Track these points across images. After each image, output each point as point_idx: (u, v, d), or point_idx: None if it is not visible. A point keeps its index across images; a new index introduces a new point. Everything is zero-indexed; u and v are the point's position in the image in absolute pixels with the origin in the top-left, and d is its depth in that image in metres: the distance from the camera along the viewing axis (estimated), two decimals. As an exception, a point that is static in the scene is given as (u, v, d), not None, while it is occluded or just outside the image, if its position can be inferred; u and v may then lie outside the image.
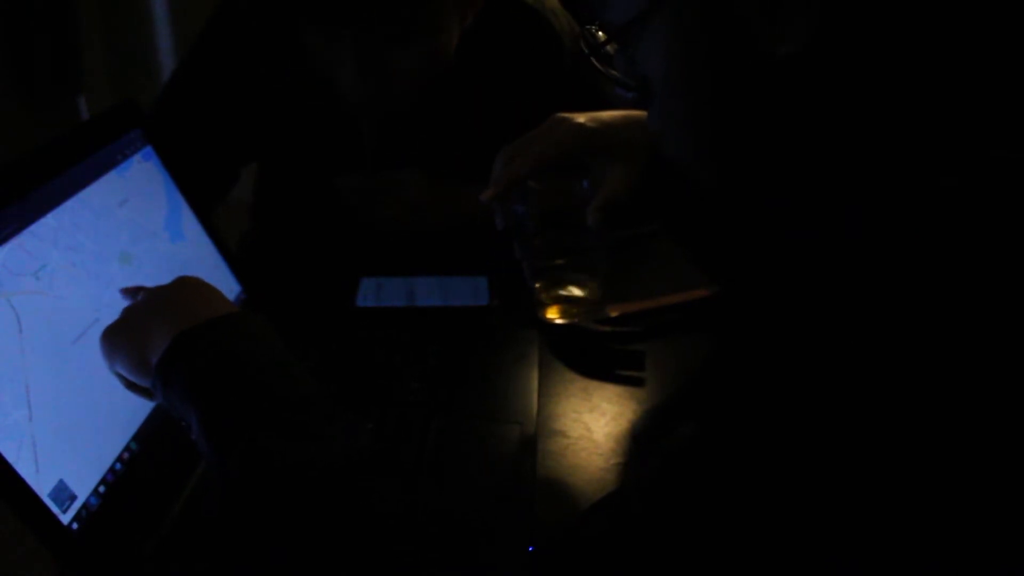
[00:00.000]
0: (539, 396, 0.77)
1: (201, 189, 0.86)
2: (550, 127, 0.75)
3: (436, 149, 1.06)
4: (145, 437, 0.65)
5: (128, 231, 0.71)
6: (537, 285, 0.81)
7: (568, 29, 1.08)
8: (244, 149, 1.10)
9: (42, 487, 0.55)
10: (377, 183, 1.02)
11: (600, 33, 0.58)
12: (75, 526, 0.56)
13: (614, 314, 0.88)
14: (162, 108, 1.03)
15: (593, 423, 0.75)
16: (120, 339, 0.57)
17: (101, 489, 0.60)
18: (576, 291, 0.81)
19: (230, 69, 1.01)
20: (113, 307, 0.66)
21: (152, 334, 0.54)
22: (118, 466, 0.62)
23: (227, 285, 0.84)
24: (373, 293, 0.94)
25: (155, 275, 0.73)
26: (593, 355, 0.84)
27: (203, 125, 1.02)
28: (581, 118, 0.75)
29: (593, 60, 0.60)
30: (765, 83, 0.48)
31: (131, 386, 0.57)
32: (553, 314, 0.81)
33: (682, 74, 0.52)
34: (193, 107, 1.02)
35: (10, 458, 0.53)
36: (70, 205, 0.65)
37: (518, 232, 0.78)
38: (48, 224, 0.62)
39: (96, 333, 0.63)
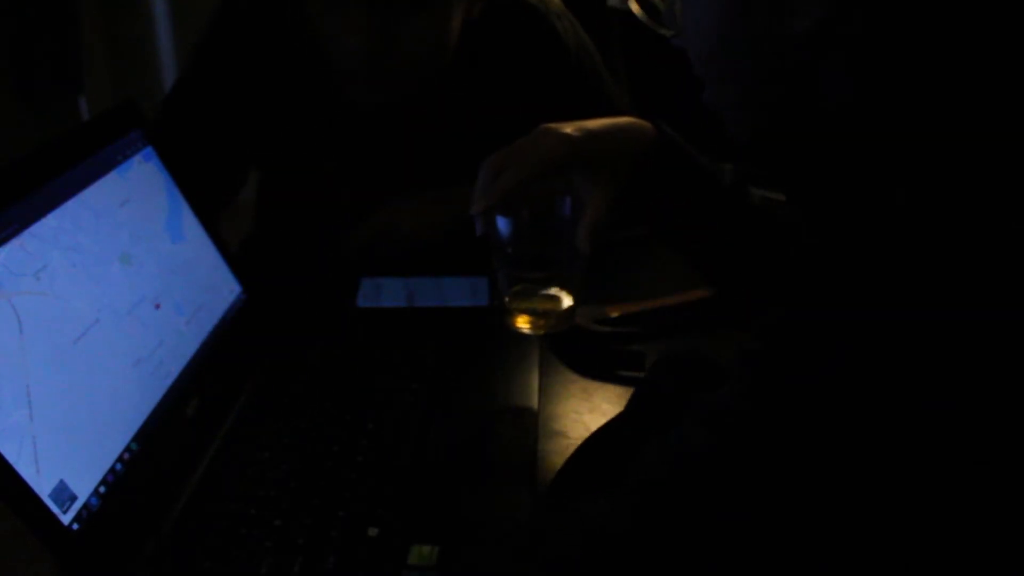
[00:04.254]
0: (539, 396, 0.77)
1: (208, 195, 0.87)
2: (537, 137, 0.75)
3: (433, 150, 1.06)
4: (145, 437, 0.65)
5: (129, 231, 0.71)
6: (507, 297, 0.81)
7: (572, 32, 1.07)
8: (250, 154, 1.10)
9: (43, 487, 0.55)
10: (374, 230, 1.02)
11: None
12: (75, 526, 0.56)
13: (614, 314, 0.88)
14: (167, 117, 1.04)
15: (593, 423, 0.75)
16: None
17: (101, 489, 0.60)
18: (547, 304, 0.81)
19: (233, 73, 1.02)
20: (113, 307, 0.67)
21: None
22: (118, 466, 0.62)
23: (227, 285, 0.84)
24: (373, 293, 0.94)
25: (156, 275, 0.73)
26: (593, 356, 0.84)
27: (209, 132, 1.03)
28: (567, 128, 0.75)
29: (639, 12, 0.63)
30: (791, 52, 0.51)
31: None
32: (523, 324, 0.81)
33: (720, 33, 0.55)
34: (198, 115, 1.03)
35: (11, 458, 0.53)
36: (71, 205, 0.65)
37: (496, 241, 0.78)
38: (49, 224, 0.62)
39: (96, 334, 0.64)
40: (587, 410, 0.77)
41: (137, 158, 0.75)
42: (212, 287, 0.81)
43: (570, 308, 0.80)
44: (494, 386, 0.79)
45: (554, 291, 0.81)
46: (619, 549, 0.49)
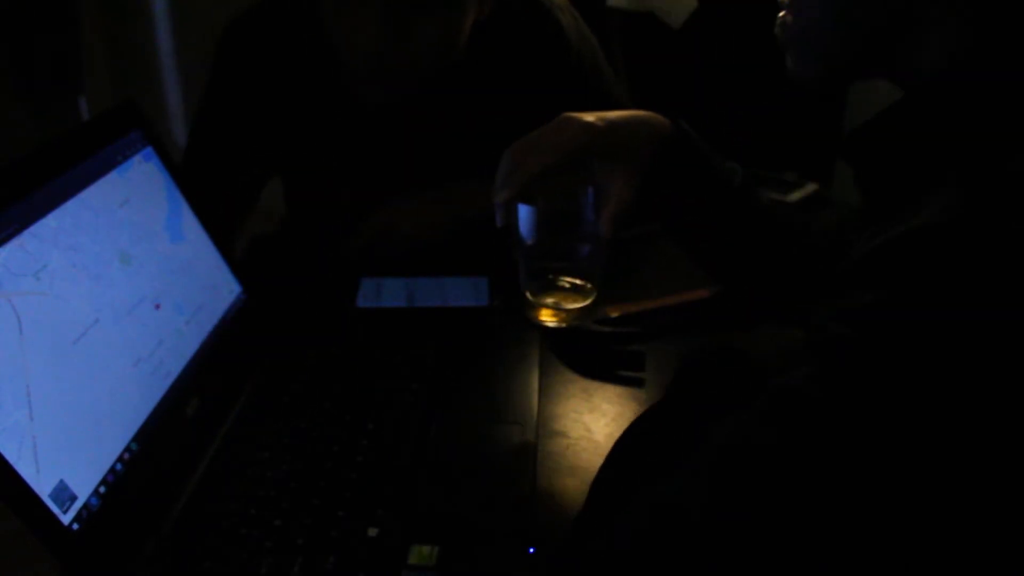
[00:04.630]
0: (539, 397, 0.77)
1: (234, 213, 0.88)
2: (559, 126, 0.74)
3: (438, 148, 1.06)
4: (145, 437, 0.65)
5: (128, 231, 0.71)
6: (530, 288, 0.80)
7: (574, 27, 1.08)
8: (268, 163, 1.12)
9: (43, 487, 0.55)
10: (374, 230, 1.03)
11: None
12: (75, 526, 0.56)
13: (614, 314, 0.88)
14: (192, 152, 1.07)
15: (593, 424, 0.75)
16: None
17: (101, 489, 0.60)
18: (570, 295, 0.81)
19: (252, 82, 1.04)
20: (113, 307, 0.67)
21: None
22: (118, 466, 0.62)
23: (227, 285, 0.84)
24: (373, 293, 0.94)
25: (155, 275, 0.73)
26: (593, 356, 0.84)
27: (235, 153, 1.05)
28: (589, 117, 0.74)
29: None
30: None
31: None
32: (546, 317, 0.81)
33: None
34: (224, 135, 1.06)
35: (11, 458, 0.53)
36: (70, 206, 0.65)
37: (517, 231, 0.78)
38: (49, 225, 0.62)
39: (96, 334, 0.64)
40: (587, 410, 0.77)
41: (137, 158, 0.75)
42: (212, 287, 0.81)
43: (593, 301, 0.80)
44: (494, 386, 0.79)
45: (576, 283, 0.80)
46: (692, 525, 0.49)
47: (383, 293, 0.94)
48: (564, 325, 0.81)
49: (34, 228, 0.61)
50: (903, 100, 0.55)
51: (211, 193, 0.95)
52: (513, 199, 0.75)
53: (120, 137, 0.74)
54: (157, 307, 0.72)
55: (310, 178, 1.13)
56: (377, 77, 0.96)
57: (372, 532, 0.61)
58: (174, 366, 0.72)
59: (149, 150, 0.77)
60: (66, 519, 0.56)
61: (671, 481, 0.51)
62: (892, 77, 0.58)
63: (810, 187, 1.34)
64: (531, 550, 0.60)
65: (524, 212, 0.76)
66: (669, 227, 0.81)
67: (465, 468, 0.69)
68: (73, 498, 0.57)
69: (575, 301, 0.80)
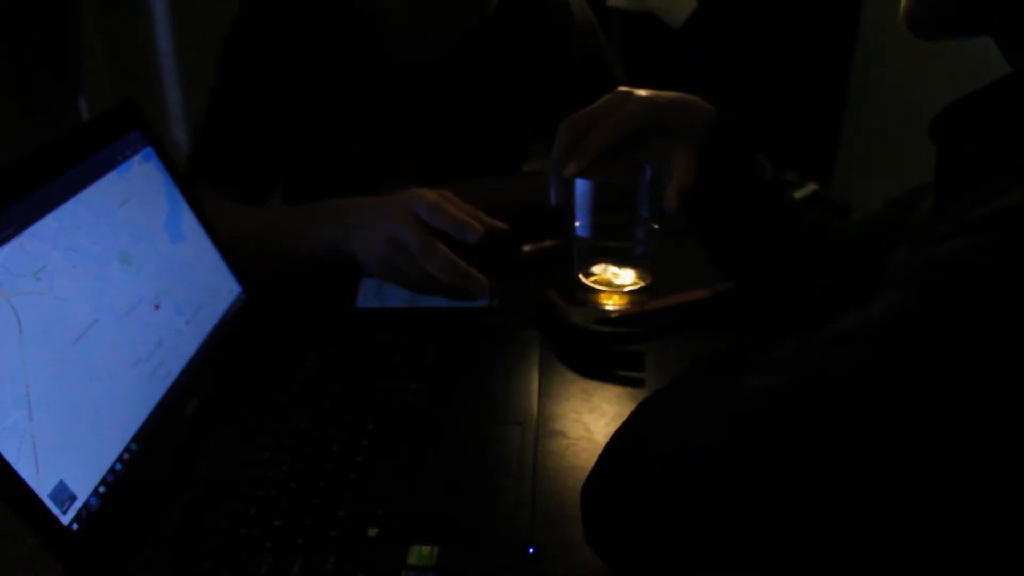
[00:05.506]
0: (539, 397, 0.77)
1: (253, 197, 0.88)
2: (619, 100, 0.72)
3: (446, 137, 1.07)
4: (145, 438, 0.65)
5: (128, 232, 0.71)
6: (583, 270, 0.77)
7: (580, 5, 1.09)
8: (286, 146, 1.12)
9: (42, 488, 0.55)
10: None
11: None
12: (75, 527, 0.56)
13: (614, 314, 0.88)
14: (200, 149, 1.06)
15: (593, 424, 0.75)
16: None
17: (101, 490, 0.60)
18: (626, 277, 0.78)
19: (275, 40, 1.02)
20: (113, 307, 0.67)
21: None
22: (118, 467, 0.62)
23: (227, 285, 0.84)
24: (373, 294, 0.94)
25: (155, 275, 0.73)
26: (593, 356, 0.84)
27: (244, 158, 1.04)
28: (644, 92, 0.72)
29: None
30: None
31: None
32: (604, 299, 0.78)
33: None
34: (232, 141, 1.04)
35: (10, 459, 0.53)
36: (70, 206, 0.65)
37: (573, 208, 0.74)
38: (48, 225, 0.62)
39: (96, 334, 0.64)
40: (587, 410, 0.77)
41: (137, 158, 0.75)
42: (212, 287, 0.81)
43: (649, 284, 0.77)
44: (494, 386, 0.79)
45: (632, 267, 0.78)
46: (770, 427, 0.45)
47: (383, 293, 0.94)
48: (621, 307, 0.79)
49: (34, 228, 0.61)
50: (1006, 77, 0.52)
51: (231, 176, 0.94)
52: (575, 175, 0.71)
53: (120, 137, 0.74)
54: (157, 307, 0.72)
55: (312, 176, 1.13)
56: (411, 31, 0.95)
57: (372, 532, 0.61)
58: (174, 366, 0.72)
59: (149, 150, 0.77)
60: (66, 519, 0.56)
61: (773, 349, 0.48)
62: (998, 35, 0.54)
63: (810, 187, 1.34)
64: (531, 550, 0.60)
65: (583, 187, 0.73)
66: (696, 215, 0.79)
67: (465, 468, 0.69)
68: (73, 498, 0.57)
69: (631, 284, 0.77)
